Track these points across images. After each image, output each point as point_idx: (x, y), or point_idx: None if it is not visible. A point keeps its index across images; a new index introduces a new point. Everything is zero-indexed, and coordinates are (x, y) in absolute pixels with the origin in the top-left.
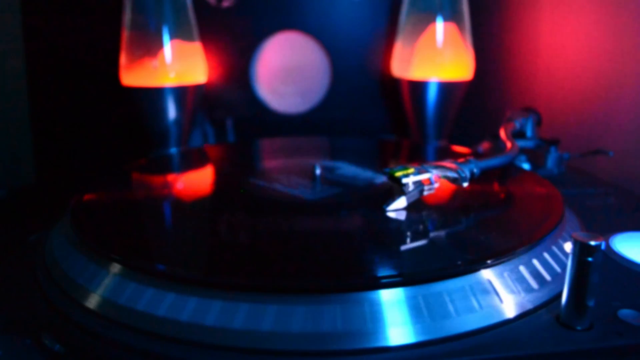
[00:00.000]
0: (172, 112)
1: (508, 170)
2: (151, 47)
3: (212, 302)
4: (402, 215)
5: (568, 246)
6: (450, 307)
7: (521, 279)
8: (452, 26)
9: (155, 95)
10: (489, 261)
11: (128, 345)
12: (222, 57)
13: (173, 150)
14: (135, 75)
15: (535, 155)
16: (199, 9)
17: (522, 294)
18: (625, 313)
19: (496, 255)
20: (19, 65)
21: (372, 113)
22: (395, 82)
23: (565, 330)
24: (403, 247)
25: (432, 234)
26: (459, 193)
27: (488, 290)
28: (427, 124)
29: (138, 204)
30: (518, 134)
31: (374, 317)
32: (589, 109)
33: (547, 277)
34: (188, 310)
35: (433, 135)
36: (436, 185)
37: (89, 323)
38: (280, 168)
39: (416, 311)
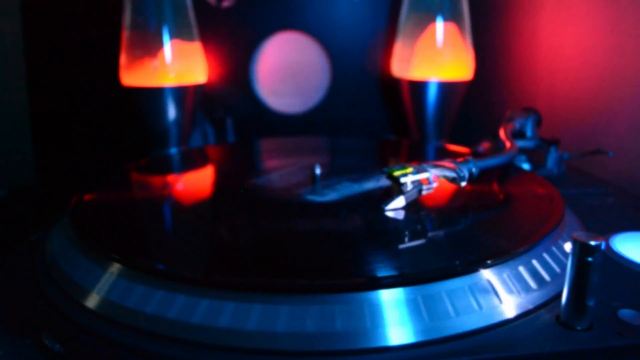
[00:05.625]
0: (172, 112)
1: (508, 170)
2: (151, 47)
3: (211, 301)
4: (400, 215)
5: (568, 246)
6: (450, 307)
7: (521, 279)
8: (452, 26)
9: (155, 95)
10: (488, 261)
11: (128, 345)
12: (222, 57)
13: (173, 150)
14: (135, 75)
15: (535, 155)
16: (199, 9)
17: (522, 294)
18: (625, 313)
19: (496, 255)
20: (19, 64)
21: (372, 113)
22: (395, 82)
23: (565, 330)
24: (402, 247)
25: (431, 234)
26: (458, 193)
27: (488, 290)
28: (427, 124)
29: (138, 204)
30: (518, 134)
31: (374, 317)
32: (589, 109)
33: (547, 277)
34: (188, 310)
35: (433, 135)
36: (435, 184)
37: (89, 323)
38: (280, 168)
39: (416, 311)
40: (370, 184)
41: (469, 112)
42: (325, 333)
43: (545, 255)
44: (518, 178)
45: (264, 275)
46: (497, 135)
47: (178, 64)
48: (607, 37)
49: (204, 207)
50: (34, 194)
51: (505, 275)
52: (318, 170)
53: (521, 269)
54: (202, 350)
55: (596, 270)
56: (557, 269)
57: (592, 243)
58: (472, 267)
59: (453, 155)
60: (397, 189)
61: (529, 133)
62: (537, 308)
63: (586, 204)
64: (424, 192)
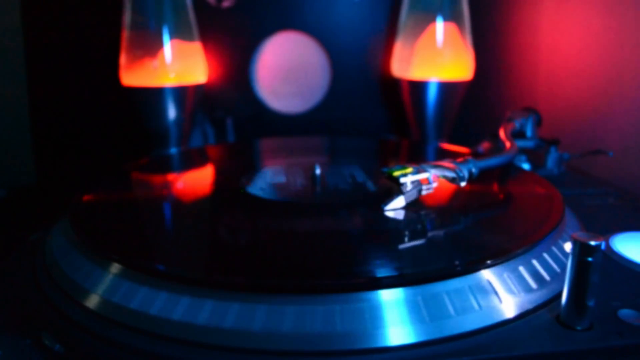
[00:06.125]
0: (172, 112)
1: (508, 170)
2: (151, 47)
3: (210, 302)
4: (400, 215)
5: (568, 246)
6: (450, 308)
7: (521, 279)
8: (452, 26)
9: (155, 95)
10: (488, 261)
11: (128, 345)
12: (222, 57)
13: (173, 150)
14: (135, 75)
15: (535, 155)
16: (199, 9)
17: (522, 294)
18: (625, 313)
19: (496, 255)
20: (19, 65)
21: (372, 113)
22: (395, 82)
23: (565, 330)
24: (402, 247)
25: (431, 234)
26: (458, 193)
27: (488, 290)
28: (427, 124)
29: (138, 204)
30: (518, 134)
31: (374, 317)
32: (589, 109)
33: (547, 277)
34: (187, 310)
35: (433, 135)
36: (434, 184)
37: (89, 323)
38: (280, 168)
39: (416, 311)
40: (369, 184)
41: (469, 112)
42: (325, 333)
43: (545, 255)
44: (518, 178)
45: (264, 275)
46: (497, 135)
47: (178, 64)
48: (607, 37)
49: (204, 207)
50: (34, 194)
51: (505, 275)
52: (318, 170)
53: (521, 269)
54: (203, 350)
55: (596, 270)
56: (557, 269)
57: (592, 243)
58: (472, 267)
59: (453, 155)
60: (396, 189)
61: (529, 133)
62: (537, 308)
63: (586, 204)
64: (424, 192)
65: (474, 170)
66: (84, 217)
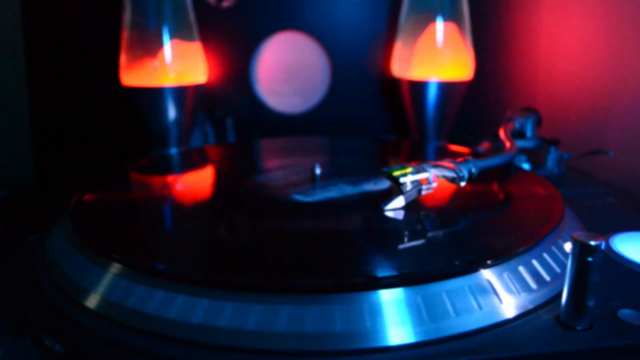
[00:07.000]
0: (172, 112)
1: (508, 170)
2: (151, 47)
3: (210, 301)
4: (400, 215)
5: (568, 246)
6: (450, 307)
7: (521, 279)
8: (452, 26)
9: (155, 95)
10: (488, 261)
11: (128, 345)
12: (222, 57)
13: (173, 150)
14: (135, 75)
15: (535, 155)
16: (199, 9)
17: (522, 294)
18: (625, 313)
19: (496, 255)
20: (19, 65)
21: (372, 113)
22: (395, 82)
23: (565, 330)
24: (402, 247)
25: (431, 234)
26: (458, 193)
27: (488, 290)
28: (427, 123)
29: (138, 204)
30: (518, 134)
31: (374, 317)
32: (589, 109)
33: (547, 277)
34: (187, 310)
35: (433, 135)
36: (434, 184)
37: (89, 323)
38: (280, 168)
39: (416, 311)
40: (370, 184)
41: (469, 112)
42: (325, 333)
43: (545, 255)
44: (518, 178)
45: (264, 275)
46: (497, 135)
47: (178, 64)
48: (607, 38)
49: (203, 207)
50: (34, 194)
51: (505, 275)
52: (318, 170)
53: (521, 269)
54: (202, 350)
55: (596, 270)
56: (557, 269)
57: (592, 243)
58: (472, 267)
59: (453, 155)
60: (396, 189)
61: (529, 133)
62: (537, 308)
63: (586, 204)
64: (424, 192)
65: (473, 170)
66: (84, 217)
